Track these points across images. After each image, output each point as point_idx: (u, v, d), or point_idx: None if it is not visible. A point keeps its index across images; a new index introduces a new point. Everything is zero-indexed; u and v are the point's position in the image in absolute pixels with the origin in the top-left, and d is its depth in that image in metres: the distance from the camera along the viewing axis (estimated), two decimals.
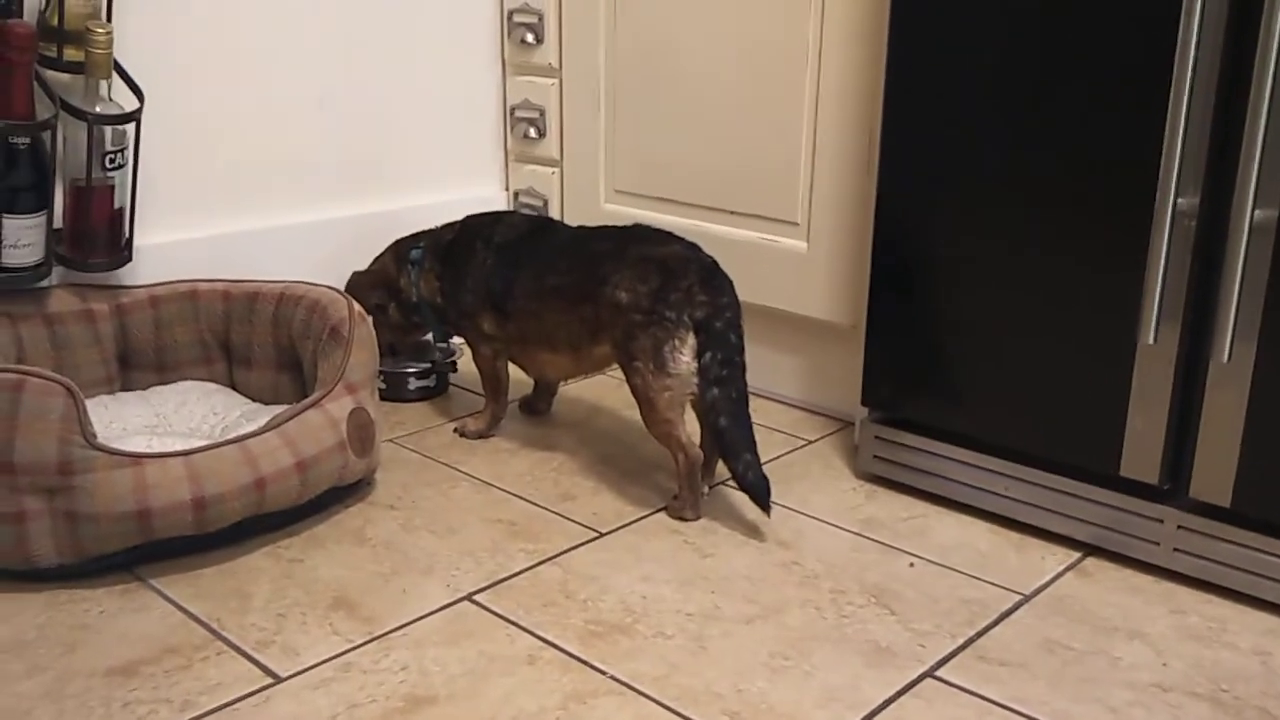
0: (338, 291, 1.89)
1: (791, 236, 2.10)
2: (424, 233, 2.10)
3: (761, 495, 1.70)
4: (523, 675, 1.37)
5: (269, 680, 1.35)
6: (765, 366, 2.18)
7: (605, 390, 2.25)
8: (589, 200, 2.40)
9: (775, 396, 2.25)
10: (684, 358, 1.70)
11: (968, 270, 1.71)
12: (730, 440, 1.70)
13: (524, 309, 1.90)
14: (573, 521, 1.76)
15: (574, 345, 1.86)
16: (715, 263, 1.77)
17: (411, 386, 2.22)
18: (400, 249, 2.10)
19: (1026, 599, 1.57)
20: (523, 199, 2.53)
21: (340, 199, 2.34)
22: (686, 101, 2.19)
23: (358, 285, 2.12)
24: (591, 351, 1.85)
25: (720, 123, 2.15)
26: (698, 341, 1.70)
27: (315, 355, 1.84)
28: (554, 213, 2.48)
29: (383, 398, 2.21)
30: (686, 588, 1.58)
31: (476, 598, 1.54)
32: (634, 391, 1.75)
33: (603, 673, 1.38)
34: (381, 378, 2.20)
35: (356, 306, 1.84)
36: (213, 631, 1.45)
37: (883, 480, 1.90)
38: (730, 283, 1.76)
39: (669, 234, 1.82)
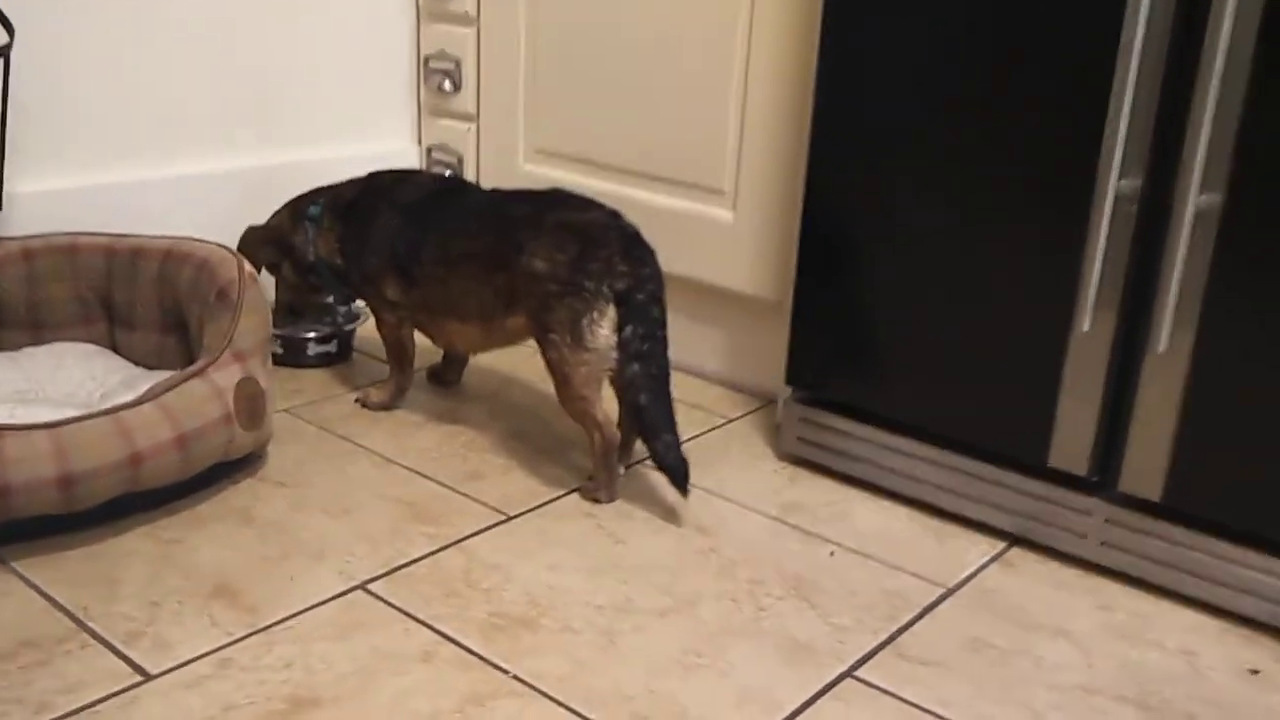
0: (228, 250, 1.75)
1: (718, 205, 2.01)
2: (325, 189, 1.97)
3: (680, 477, 1.61)
4: (417, 674, 1.27)
5: (137, 678, 1.24)
6: (686, 340, 2.09)
7: (519, 361, 2.15)
8: (507, 159, 2.27)
9: (696, 372, 2.16)
10: (603, 331, 1.60)
11: (900, 248, 1.64)
12: (650, 419, 1.60)
13: (431, 275, 1.78)
14: (479, 503, 1.66)
15: (485, 316, 1.75)
16: (638, 231, 1.67)
17: (311, 352, 2.09)
18: (298, 205, 1.97)
19: (950, 592, 1.51)
20: (435, 155, 2.40)
21: (237, 148, 2.19)
22: (613, 58, 2.08)
23: (249, 241, 1.98)
24: (504, 323, 1.74)
25: (647, 82, 2.04)
26: (618, 314, 1.60)
27: (202, 319, 1.70)
28: (469, 172, 2.35)
29: (280, 363, 2.07)
30: (597, 577, 1.49)
31: (371, 586, 1.44)
32: (549, 365, 1.65)
33: (504, 671, 1.29)
34: (279, 341, 2.07)
35: (248, 267, 1.71)
36: (77, 622, 1.32)
37: (805, 462, 1.83)
38: (653, 253, 1.66)
39: (589, 200, 1.71)
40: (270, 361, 1.72)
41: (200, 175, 2.12)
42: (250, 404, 1.63)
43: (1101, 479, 1.54)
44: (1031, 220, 1.51)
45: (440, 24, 2.33)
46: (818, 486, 1.77)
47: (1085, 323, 1.49)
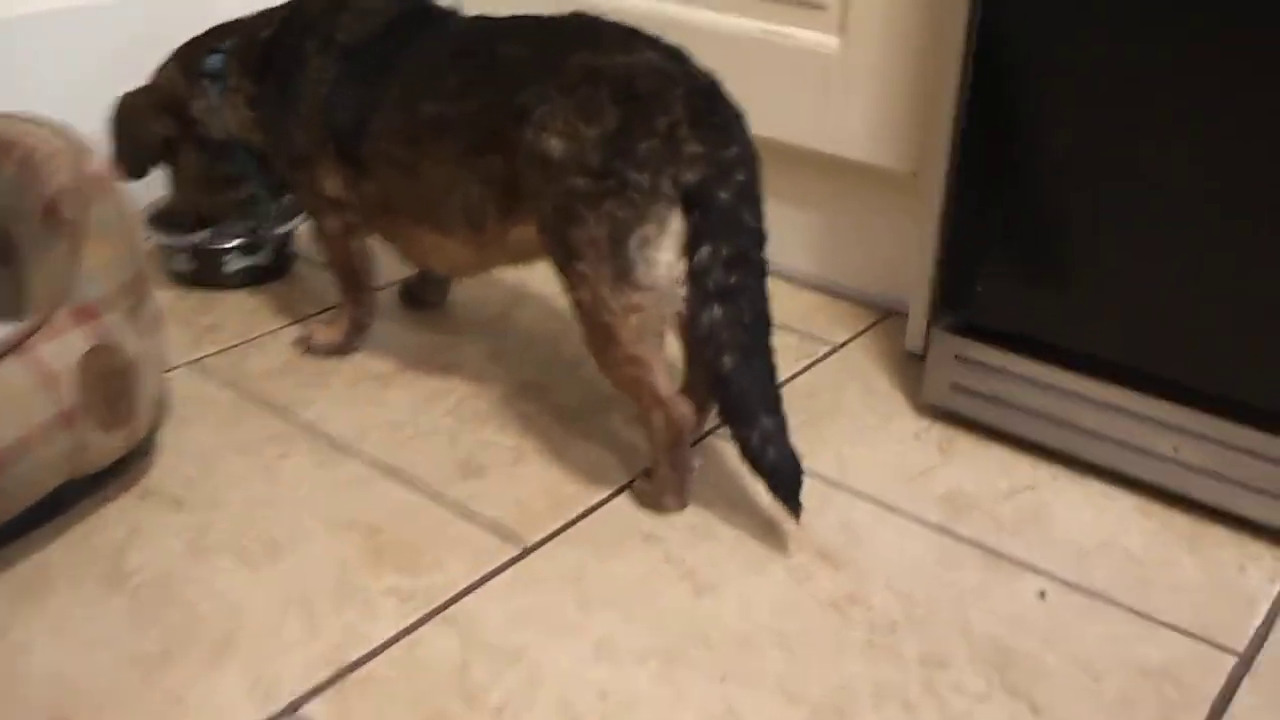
0: (64, 136, 1.10)
1: (814, 27, 1.34)
2: (229, 26, 1.31)
3: (789, 488, 1.01)
4: None
5: None
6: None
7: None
8: None
9: (779, 272, 1.53)
10: (664, 255, 0.98)
11: (1128, 102, 1.00)
12: (738, 394, 1.00)
13: (388, 158, 1.15)
14: (478, 522, 1.07)
15: (473, 223, 1.13)
16: (714, 82, 1.03)
17: (231, 267, 1.47)
18: (192, 53, 1.32)
19: (1244, 662, 0.93)
20: None
21: None
22: None
23: (127, 113, 1.34)
24: (503, 235, 1.12)
25: None
26: (688, 225, 0.97)
27: (28, 250, 1.07)
28: None
29: (194, 283, 1.46)
30: (677, 665, 0.91)
31: (305, 711, 0.86)
32: (577, 310, 1.04)
33: None
34: (189, 254, 1.45)
35: (94, 164, 1.07)
36: None
37: (961, 420, 1.23)
38: (740, 118, 1.03)
39: (630, 30, 1.06)
40: (148, 306, 1.11)
41: (39, 13, 1.46)
42: (110, 386, 1.03)
43: None
44: None
45: None
46: (986, 461, 1.18)
47: None
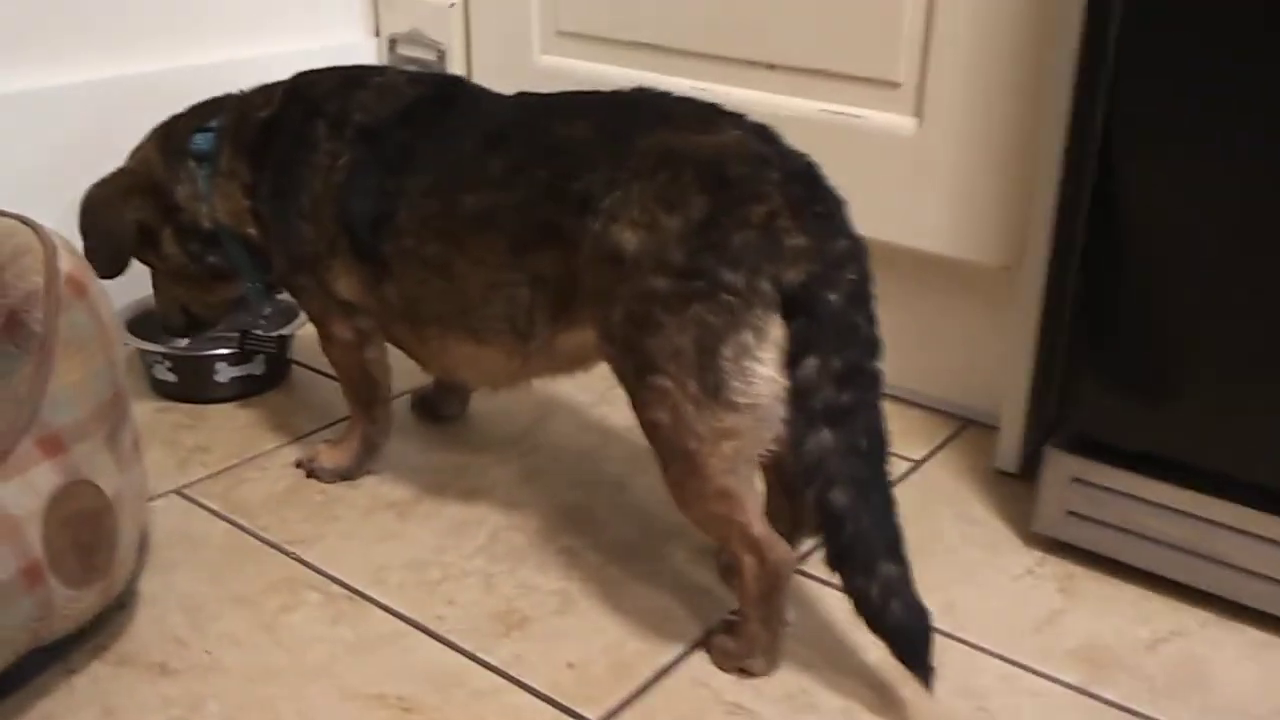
0: (32, 228, 0.92)
1: (889, 108, 1.20)
2: (218, 102, 1.15)
3: (918, 649, 0.84)
4: None
5: None
6: None
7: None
8: (513, 50, 1.45)
9: None
10: (764, 368, 0.81)
11: (1269, 192, 0.85)
12: (855, 537, 0.82)
13: (415, 254, 0.98)
14: (529, 691, 0.88)
15: (517, 328, 0.96)
16: (812, 165, 0.87)
17: (221, 377, 1.29)
18: (173, 133, 1.15)
19: None
20: (403, 50, 1.57)
21: (89, 49, 1.35)
22: None
23: (98, 201, 1.15)
24: (551, 342, 0.95)
25: None
26: (791, 332, 0.81)
27: None
28: (456, 69, 1.52)
29: (173, 395, 1.28)
30: None
31: None
32: (653, 433, 0.87)
33: None
34: (168, 364, 1.27)
35: (66, 263, 0.89)
36: None
37: (1080, 553, 1.06)
38: (844, 207, 0.87)
39: (706, 106, 0.91)
40: (125, 434, 0.92)
41: (13, 95, 1.29)
42: (84, 532, 0.84)
43: None
44: None
45: None
46: (1118, 604, 1.01)
47: None
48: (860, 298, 0.83)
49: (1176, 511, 0.99)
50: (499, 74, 1.40)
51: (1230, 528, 0.97)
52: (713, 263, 0.80)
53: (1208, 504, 0.97)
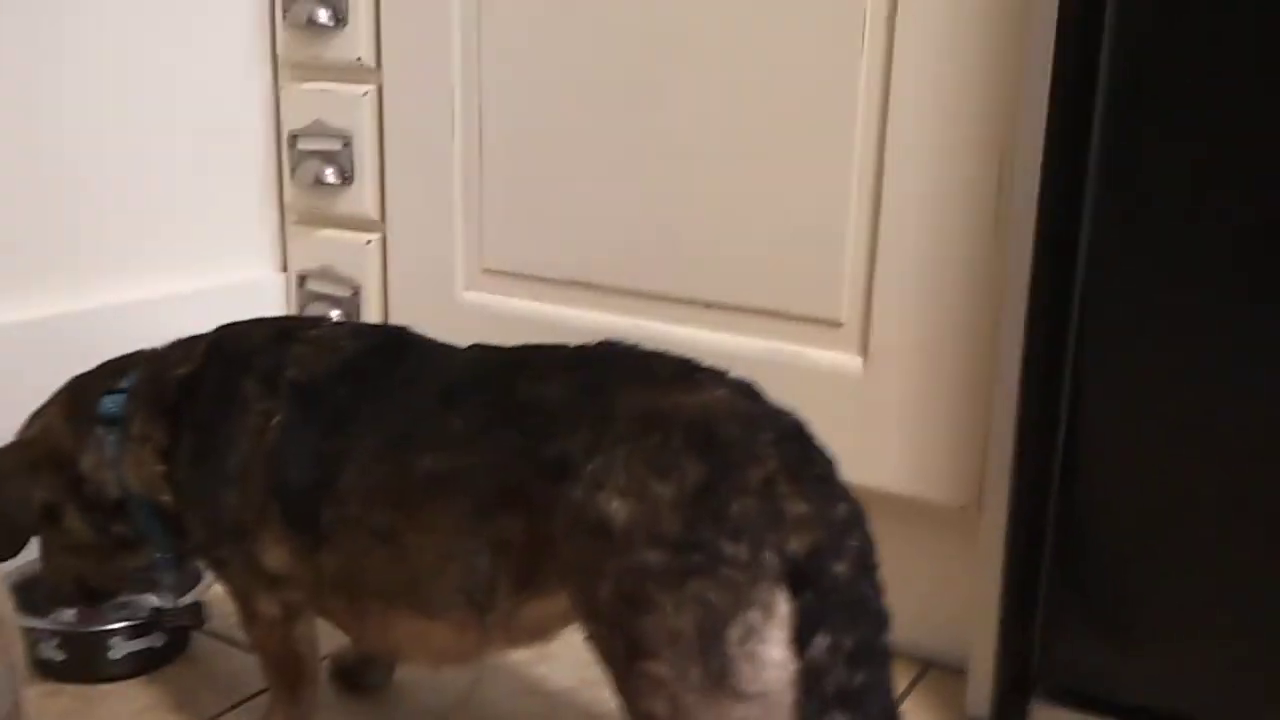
0: None
1: (832, 346, 1.18)
2: (124, 362, 1.06)
3: None
4: None
5: None
6: None
7: None
8: (435, 287, 1.41)
9: None
10: (773, 650, 0.74)
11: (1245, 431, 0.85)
12: None
13: (359, 522, 0.89)
14: None
15: (475, 600, 0.87)
16: (801, 424, 0.83)
17: (116, 654, 1.15)
18: (79, 396, 1.05)
19: None
20: (313, 287, 1.51)
21: None
22: (624, 106, 1.25)
23: (1, 475, 1.04)
24: (512, 614, 0.87)
25: (695, 136, 1.22)
26: (797, 608, 0.75)
27: None
28: (371, 311, 1.46)
29: (64, 676, 1.13)
30: None
31: None
32: None
33: None
34: (56, 641, 1.13)
35: None
36: None
37: None
38: (836, 466, 0.82)
39: (683, 360, 0.87)
40: None
41: None
42: None
43: None
44: None
45: (313, 81, 1.46)
46: None
47: None
48: (866, 567, 0.78)
49: None
50: (417, 312, 1.33)
51: None
52: (712, 534, 0.74)
53: None
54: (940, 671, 1.22)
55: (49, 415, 1.05)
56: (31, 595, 1.15)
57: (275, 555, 0.94)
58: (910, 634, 1.23)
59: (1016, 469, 1.07)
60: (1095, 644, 0.96)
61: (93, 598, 1.12)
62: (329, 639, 1.05)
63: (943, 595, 1.20)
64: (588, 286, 1.30)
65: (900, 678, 1.20)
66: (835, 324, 1.17)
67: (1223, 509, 0.89)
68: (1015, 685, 1.12)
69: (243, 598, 0.99)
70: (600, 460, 0.78)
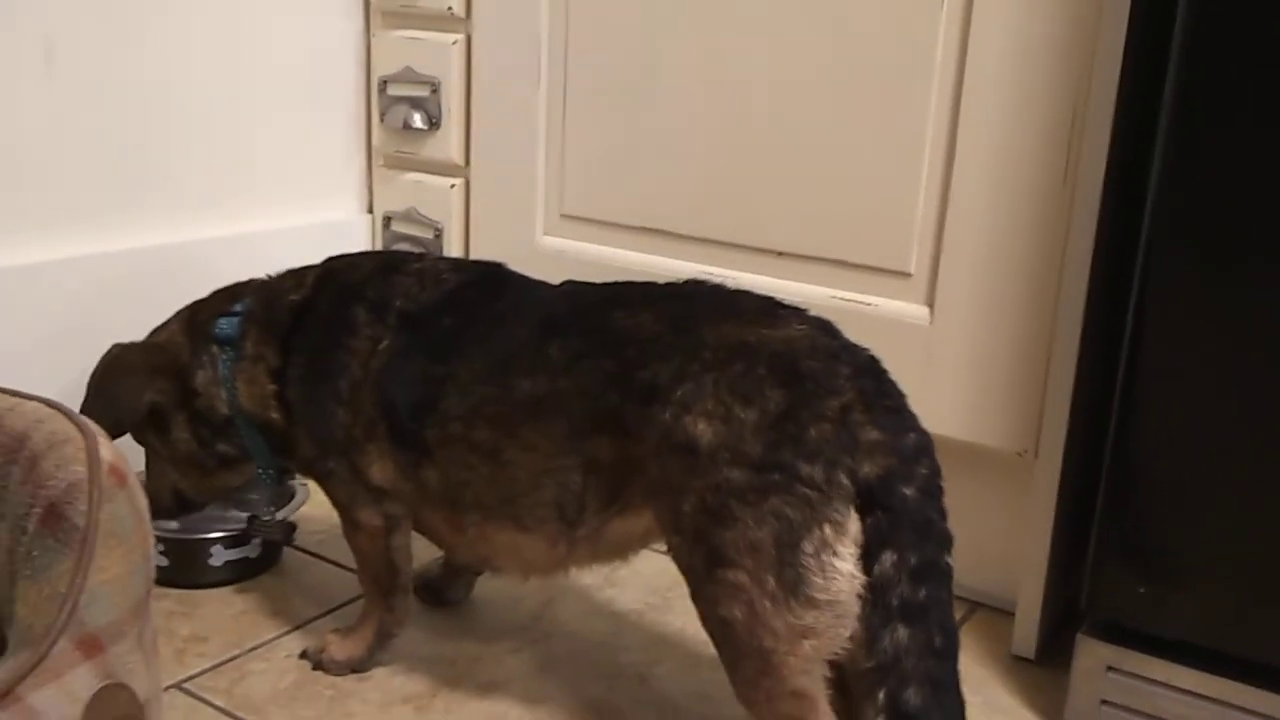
0: (62, 413, 0.89)
1: (900, 296, 1.24)
2: (242, 287, 1.14)
3: None
4: None
5: None
6: None
7: None
8: (515, 231, 1.47)
9: None
10: (844, 564, 0.81)
11: None
12: None
13: (464, 440, 0.96)
14: None
15: (566, 515, 0.94)
16: (876, 359, 0.89)
17: (217, 561, 1.23)
18: (198, 316, 1.13)
19: None
20: (398, 228, 1.58)
21: (87, 223, 1.33)
22: (702, 58, 1.31)
23: (116, 368, 1.12)
24: (600, 530, 0.94)
25: (771, 89, 1.27)
26: (867, 527, 0.81)
27: (14, 563, 0.84)
28: (454, 248, 1.53)
29: (168, 581, 1.22)
30: None
31: None
32: (723, 630, 0.85)
33: None
34: (160, 547, 1.21)
35: (107, 452, 0.85)
36: None
37: None
38: (906, 399, 0.88)
39: (767, 298, 0.93)
40: (149, 631, 0.87)
41: (21, 268, 1.26)
42: None
43: None
44: None
45: (404, 29, 1.52)
46: None
47: None
48: (933, 492, 0.84)
49: (1214, 701, 0.99)
50: (498, 254, 1.40)
51: (1269, 716, 0.97)
52: (790, 456, 0.80)
53: (1246, 693, 0.98)
54: (988, 611, 1.28)
55: (172, 329, 1.13)
56: None
57: (380, 469, 1.02)
58: (960, 574, 1.28)
59: (1072, 418, 1.12)
60: (1140, 584, 1.01)
61: (186, 509, 1.20)
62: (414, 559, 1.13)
63: (993, 538, 1.25)
64: (664, 234, 1.36)
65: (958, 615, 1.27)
66: (904, 275, 1.23)
67: (1267, 457, 0.94)
68: (1060, 626, 1.18)
69: (346, 508, 1.06)
70: (689, 386, 0.85)
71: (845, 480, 0.80)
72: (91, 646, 0.79)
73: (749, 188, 1.30)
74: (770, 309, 0.90)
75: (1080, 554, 1.08)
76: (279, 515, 1.25)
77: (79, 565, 0.80)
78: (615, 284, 0.98)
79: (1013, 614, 1.21)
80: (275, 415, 1.08)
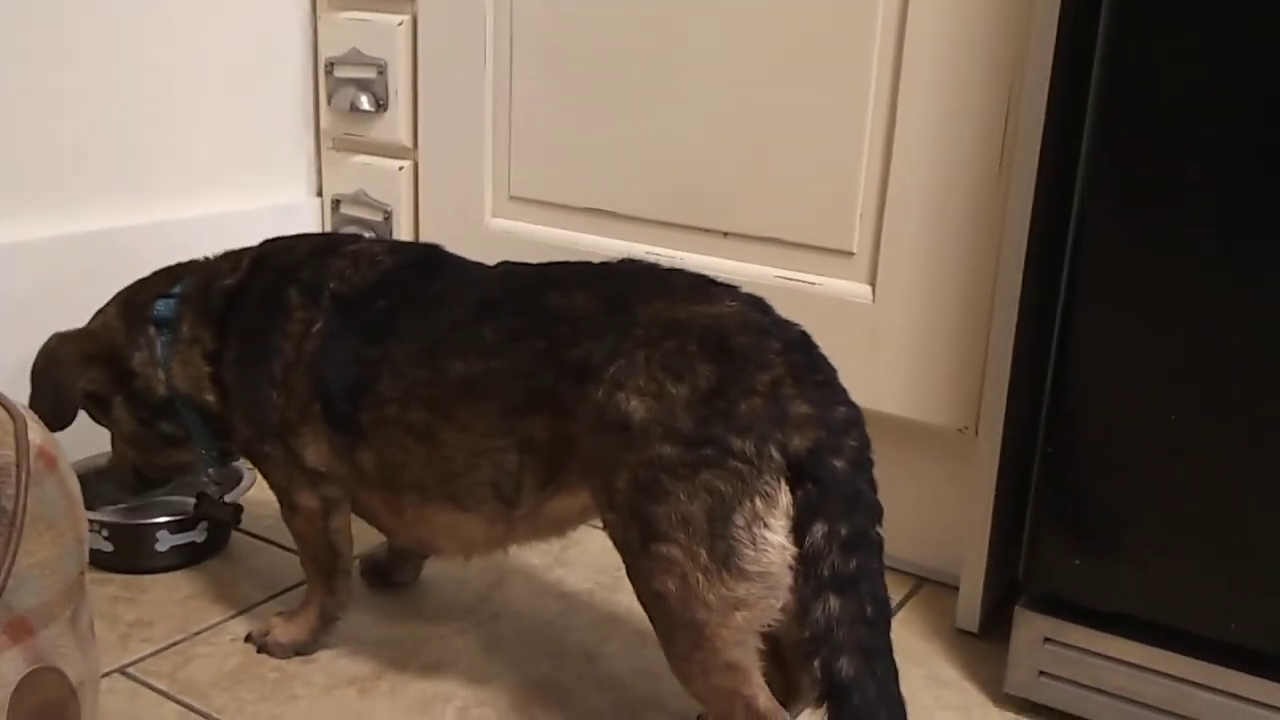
0: None
1: (843, 275, 1.24)
2: (178, 270, 1.13)
3: None
4: None
5: None
6: None
7: None
8: (463, 213, 1.47)
9: None
10: (775, 535, 0.81)
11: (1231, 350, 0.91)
12: (862, 709, 0.81)
13: (398, 421, 0.96)
14: None
15: (503, 495, 0.94)
16: (806, 334, 0.90)
17: (162, 545, 1.22)
18: (136, 299, 1.12)
19: None
20: (346, 211, 1.57)
21: (30, 210, 1.32)
22: (648, 41, 1.31)
23: (56, 359, 1.12)
24: (537, 508, 0.94)
25: (713, 70, 1.27)
26: (797, 499, 0.81)
27: None
28: (403, 232, 1.53)
29: (112, 567, 1.21)
30: None
31: None
32: (656, 603, 0.85)
33: None
34: (105, 532, 1.20)
35: (37, 435, 0.85)
36: None
37: (1054, 714, 1.07)
38: (837, 374, 0.89)
39: (699, 276, 0.93)
40: (84, 614, 0.87)
41: None
42: None
43: None
44: None
45: (350, 10, 1.51)
46: None
47: None
48: (862, 464, 0.84)
49: (1150, 671, 1.01)
50: (446, 237, 1.39)
51: (1205, 686, 0.99)
52: (721, 430, 0.81)
53: (1181, 663, 1.00)
54: (933, 586, 1.29)
55: (109, 314, 1.12)
56: (83, 490, 1.23)
57: (315, 452, 1.02)
58: (906, 550, 1.31)
59: (1012, 395, 1.13)
60: (1075, 557, 1.02)
61: (148, 485, 1.20)
62: (360, 543, 1.12)
63: (938, 514, 1.27)
64: (611, 215, 1.36)
65: (895, 592, 1.27)
66: (847, 254, 1.23)
67: (1201, 435, 0.95)
68: (1004, 600, 1.19)
69: (284, 491, 1.06)
70: (621, 363, 0.85)
71: (775, 454, 0.81)
72: (20, 630, 0.78)
73: (695, 170, 1.30)
74: (702, 286, 0.91)
75: (1022, 527, 1.10)
76: (226, 499, 1.25)
77: (6, 549, 0.80)
78: (550, 264, 0.98)
79: (957, 588, 1.22)
80: (211, 398, 1.08)
